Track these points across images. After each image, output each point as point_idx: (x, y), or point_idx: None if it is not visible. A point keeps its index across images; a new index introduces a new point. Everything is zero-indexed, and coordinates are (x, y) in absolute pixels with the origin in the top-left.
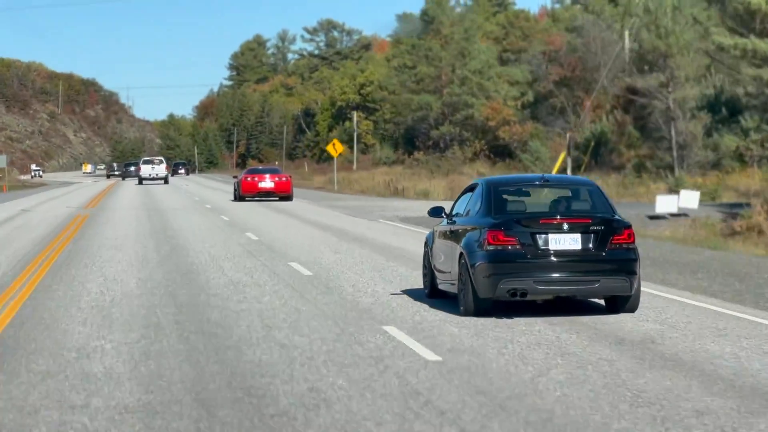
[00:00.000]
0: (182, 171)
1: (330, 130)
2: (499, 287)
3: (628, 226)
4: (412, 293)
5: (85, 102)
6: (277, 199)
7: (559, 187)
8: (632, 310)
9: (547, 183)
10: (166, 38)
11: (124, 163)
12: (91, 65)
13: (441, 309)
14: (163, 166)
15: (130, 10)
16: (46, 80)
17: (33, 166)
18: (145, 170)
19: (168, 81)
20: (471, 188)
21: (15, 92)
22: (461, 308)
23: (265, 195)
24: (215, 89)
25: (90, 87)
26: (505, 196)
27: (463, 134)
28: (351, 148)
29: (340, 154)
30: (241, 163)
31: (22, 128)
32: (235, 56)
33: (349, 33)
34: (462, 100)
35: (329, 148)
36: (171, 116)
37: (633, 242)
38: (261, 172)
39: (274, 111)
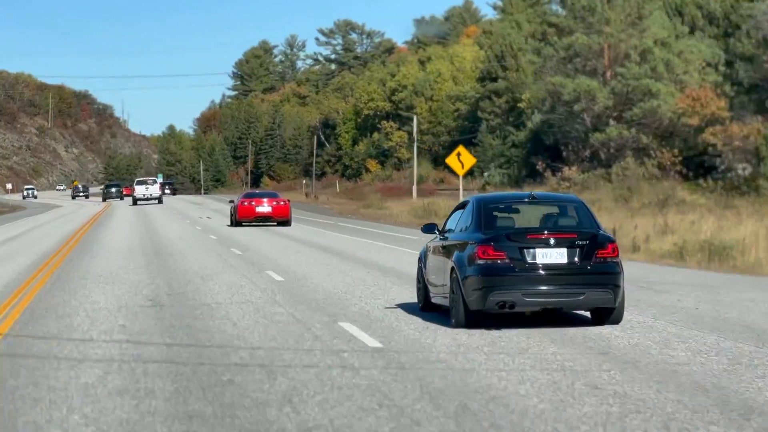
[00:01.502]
0: (168, 191)
1: (355, 143)
2: (488, 300)
3: (612, 241)
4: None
5: (77, 115)
6: (275, 224)
7: (547, 204)
8: (617, 321)
9: (535, 200)
10: (163, 47)
11: (105, 183)
12: (83, 76)
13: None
14: (157, 186)
15: (123, 17)
16: (34, 92)
17: (9, 185)
18: (139, 191)
19: (166, 92)
20: (462, 205)
21: (1, 105)
22: (452, 320)
23: (263, 220)
24: (217, 101)
25: (82, 99)
26: (495, 213)
27: (640, 139)
28: (382, 164)
29: (369, 171)
30: (252, 182)
31: (8, 143)
32: (239, 64)
33: (370, 35)
34: (642, 86)
35: (451, 160)
36: (171, 128)
37: (617, 256)
38: (258, 196)
39: (287, 122)
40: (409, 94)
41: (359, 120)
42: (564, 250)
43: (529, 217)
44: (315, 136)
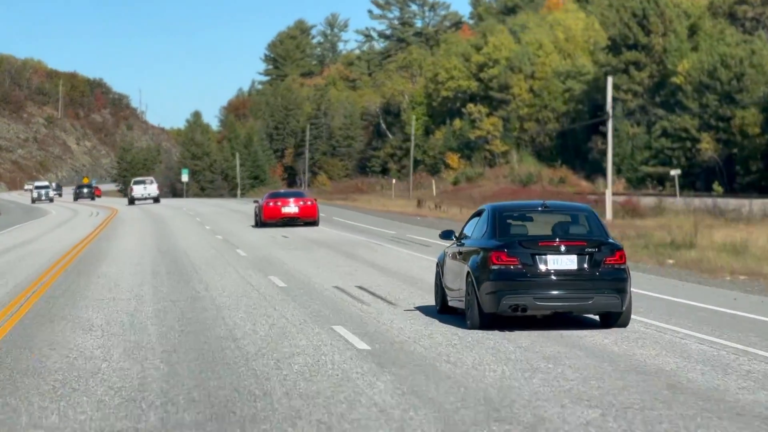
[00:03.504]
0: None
1: (427, 132)
2: (502, 303)
3: (620, 248)
4: None
5: (90, 105)
6: (302, 224)
7: (559, 212)
8: (624, 325)
9: (547, 209)
10: (184, 31)
11: (77, 184)
12: (97, 63)
13: None
14: (155, 185)
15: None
16: (44, 79)
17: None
18: (138, 190)
19: (188, 80)
20: (478, 213)
21: (6, 92)
22: (468, 322)
23: (289, 220)
24: (245, 88)
25: (96, 88)
26: (509, 221)
27: None
28: (468, 158)
29: (450, 168)
30: (300, 181)
31: (13, 135)
32: (272, 46)
33: (433, 7)
34: None
35: None
36: (196, 115)
37: (624, 263)
38: (284, 196)
39: (334, 109)
40: (502, 71)
41: (434, 104)
42: (574, 257)
43: (541, 225)
44: (412, 122)
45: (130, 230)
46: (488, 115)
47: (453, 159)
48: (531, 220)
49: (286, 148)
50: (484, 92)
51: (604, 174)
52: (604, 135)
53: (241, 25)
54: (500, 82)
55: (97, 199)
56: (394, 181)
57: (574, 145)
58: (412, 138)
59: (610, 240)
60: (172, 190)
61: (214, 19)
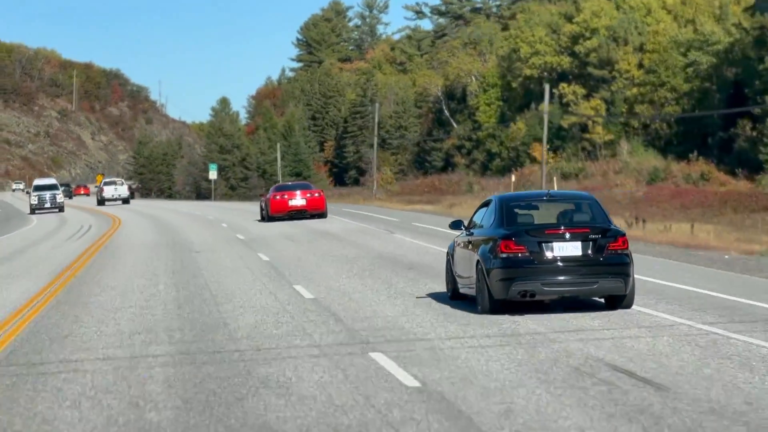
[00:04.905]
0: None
1: (503, 119)
2: (511, 289)
3: (623, 234)
4: None
5: (106, 97)
6: (309, 217)
7: (563, 201)
8: (628, 306)
9: (552, 198)
10: (206, 18)
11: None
12: (114, 53)
13: None
14: (125, 187)
15: None
16: (57, 70)
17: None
18: (108, 191)
19: (210, 72)
20: (486, 204)
21: (17, 84)
22: (479, 308)
23: (297, 213)
24: (275, 77)
25: (113, 80)
26: (516, 210)
27: None
28: (561, 150)
29: (536, 162)
30: (369, 177)
31: (23, 129)
32: (305, 29)
33: None
34: None
35: None
36: (223, 102)
37: (627, 248)
38: (291, 189)
39: (383, 95)
40: (602, 43)
41: (514, 84)
42: (579, 244)
43: (546, 213)
44: (546, 98)
45: (124, 301)
46: (586, 96)
47: (540, 150)
48: (537, 209)
49: (326, 140)
50: (579, 69)
51: (763, 168)
52: (756, 118)
53: (269, 9)
54: (600, 56)
55: (82, 198)
56: (513, 178)
57: (699, 132)
58: (545, 117)
59: (613, 227)
60: (196, 189)
61: (238, 3)
